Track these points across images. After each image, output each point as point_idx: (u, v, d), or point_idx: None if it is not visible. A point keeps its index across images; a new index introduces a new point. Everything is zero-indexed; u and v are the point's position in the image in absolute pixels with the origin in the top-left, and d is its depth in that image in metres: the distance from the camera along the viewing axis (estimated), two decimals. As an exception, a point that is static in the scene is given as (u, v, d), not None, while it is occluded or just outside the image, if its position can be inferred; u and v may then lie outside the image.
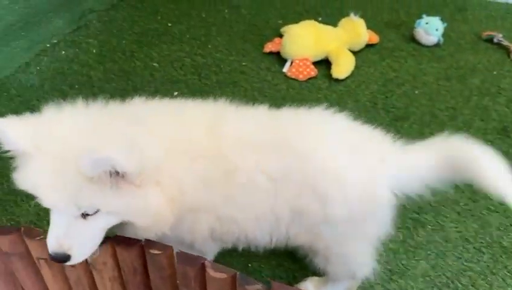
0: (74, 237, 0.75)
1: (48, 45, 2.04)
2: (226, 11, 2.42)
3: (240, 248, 1.01)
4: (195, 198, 0.84)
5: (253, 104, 1.74)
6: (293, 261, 1.25)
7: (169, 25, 2.28)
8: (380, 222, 0.96)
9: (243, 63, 2.01)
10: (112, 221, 0.77)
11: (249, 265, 1.25)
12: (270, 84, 1.88)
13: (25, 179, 0.76)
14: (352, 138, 0.94)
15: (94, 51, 2.05)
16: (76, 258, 0.76)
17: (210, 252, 1.06)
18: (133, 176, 0.73)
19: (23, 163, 0.76)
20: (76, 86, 1.83)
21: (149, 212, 0.78)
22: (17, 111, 0.82)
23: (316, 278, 1.18)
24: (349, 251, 1.00)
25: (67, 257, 0.75)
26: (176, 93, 1.81)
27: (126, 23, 2.27)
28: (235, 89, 1.84)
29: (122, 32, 2.20)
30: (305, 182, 0.87)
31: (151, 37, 2.17)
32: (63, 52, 2.02)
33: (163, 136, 0.83)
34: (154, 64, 1.99)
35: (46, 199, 0.75)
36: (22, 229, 0.76)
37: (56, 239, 0.75)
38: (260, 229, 0.93)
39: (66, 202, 0.73)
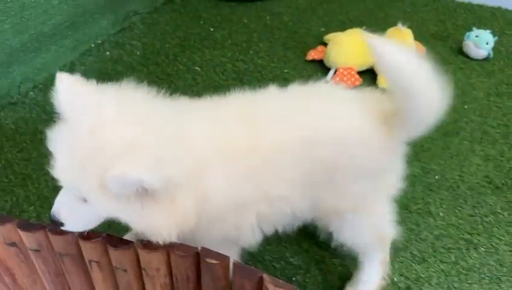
0: (71, 213, 0.77)
1: (93, 45, 2.07)
2: (268, 17, 2.41)
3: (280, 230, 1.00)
4: (239, 194, 0.85)
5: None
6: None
7: (212, 30, 2.28)
8: (398, 172, 1.01)
9: (285, 70, 1.98)
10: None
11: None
12: (313, 93, 1.84)
13: (52, 140, 0.77)
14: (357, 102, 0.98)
15: (138, 53, 2.06)
16: (69, 228, 0.77)
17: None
18: (160, 193, 0.72)
19: (62, 122, 0.77)
20: (120, 87, 1.84)
21: (162, 227, 0.75)
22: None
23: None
24: (375, 207, 1.04)
25: (62, 224, 0.77)
26: (217, 98, 1.79)
27: (169, 27, 2.28)
28: (277, 96, 1.81)
29: (165, 35, 2.21)
30: (335, 143, 0.92)
31: (193, 41, 2.17)
32: (108, 52, 2.04)
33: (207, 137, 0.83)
34: (197, 68, 1.98)
35: (57, 169, 0.76)
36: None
37: (58, 205, 0.77)
38: (302, 199, 0.94)
39: (73, 185, 0.75)
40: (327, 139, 0.91)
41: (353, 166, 0.94)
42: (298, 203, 0.94)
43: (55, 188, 1.34)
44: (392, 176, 1.02)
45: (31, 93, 1.80)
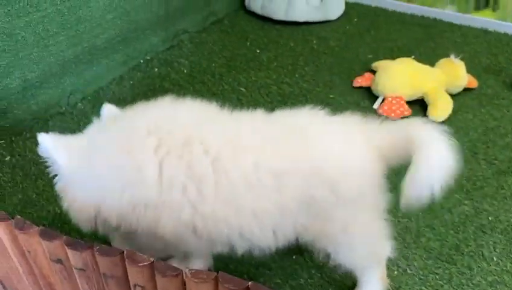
0: None
1: (142, 61, 2.10)
2: (315, 41, 2.39)
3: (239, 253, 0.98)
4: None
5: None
6: None
7: (258, 51, 2.28)
8: (380, 192, 0.98)
9: (331, 96, 1.95)
10: None
11: None
12: (359, 121, 1.79)
13: None
14: (341, 127, 0.99)
15: (185, 71, 2.08)
16: None
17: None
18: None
19: None
20: (166, 104, 1.85)
21: None
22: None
23: None
24: (365, 226, 1.02)
25: None
26: (261, 120, 1.77)
27: (216, 47, 2.30)
28: (321, 122, 1.78)
29: (212, 55, 2.23)
30: (312, 172, 0.90)
31: (239, 62, 2.18)
32: (156, 69, 2.06)
33: None
34: (242, 89, 1.97)
35: None
36: (125, 252, 0.72)
37: None
38: (260, 226, 0.93)
39: None
40: (302, 168, 0.90)
41: (332, 195, 0.92)
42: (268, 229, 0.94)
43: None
44: (378, 196, 0.99)
45: (79, 104, 1.84)
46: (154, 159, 0.89)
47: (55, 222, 1.31)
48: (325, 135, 0.95)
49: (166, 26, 2.21)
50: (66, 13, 1.69)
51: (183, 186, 0.88)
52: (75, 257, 0.76)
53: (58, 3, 1.62)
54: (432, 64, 1.99)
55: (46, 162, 1.50)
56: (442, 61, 1.96)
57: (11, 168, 1.48)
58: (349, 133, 0.97)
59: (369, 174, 0.95)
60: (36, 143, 1.61)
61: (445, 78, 1.89)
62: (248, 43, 2.35)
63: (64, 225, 1.30)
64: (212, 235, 0.92)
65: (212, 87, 1.97)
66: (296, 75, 2.09)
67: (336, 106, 1.87)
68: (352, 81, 2.03)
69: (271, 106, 1.86)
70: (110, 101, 1.85)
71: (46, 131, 1.65)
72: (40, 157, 1.53)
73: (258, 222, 0.92)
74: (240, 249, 0.97)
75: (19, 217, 0.79)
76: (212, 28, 2.47)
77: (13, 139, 1.60)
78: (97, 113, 1.81)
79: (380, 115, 1.82)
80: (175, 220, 0.90)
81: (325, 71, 2.13)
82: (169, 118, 0.96)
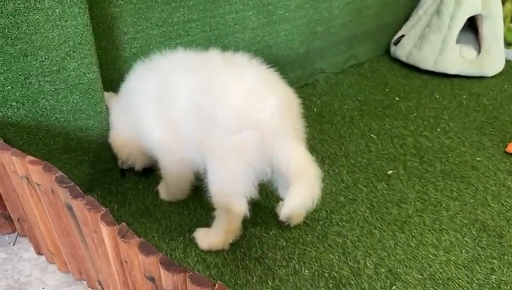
0: None
1: (275, 95, 2.10)
2: (464, 96, 2.15)
3: None
4: None
5: (484, 209, 1.41)
6: None
7: (397, 99, 2.12)
8: (255, 151, 1.09)
9: (477, 158, 1.69)
10: None
11: None
12: (510, 192, 1.51)
13: None
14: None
15: (315, 109, 2.03)
16: None
17: None
18: None
19: None
20: (291, 139, 1.80)
21: None
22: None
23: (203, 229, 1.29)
24: (225, 164, 1.13)
25: None
26: (390, 171, 1.61)
27: (352, 89, 2.21)
28: (462, 185, 1.54)
29: (345, 97, 2.14)
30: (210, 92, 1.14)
31: (374, 107, 2.05)
32: (287, 104, 2.04)
33: None
34: (372, 135, 1.83)
35: None
36: (217, 285, 0.65)
37: None
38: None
39: None
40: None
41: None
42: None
43: (207, 223, 1.32)
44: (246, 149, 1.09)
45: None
46: None
47: (164, 236, 1.31)
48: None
49: (305, 64, 2.19)
50: (214, 40, 1.77)
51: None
52: (166, 278, 0.71)
53: (208, 30, 1.71)
54: None
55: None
56: None
57: (137, 177, 1.55)
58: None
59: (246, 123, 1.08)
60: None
61: None
62: (387, 90, 2.21)
63: (172, 241, 1.30)
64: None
65: (340, 129, 1.87)
66: (438, 130, 1.87)
67: (482, 171, 1.61)
68: (505, 146, 1.75)
69: (403, 158, 1.68)
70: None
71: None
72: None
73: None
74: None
75: (124, 224, 0.78)
76: (350, 70, 2.39)
77: (145, 150, 1.70)
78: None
79: (538, 190, 1.51)
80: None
81: (473, 130, 1.88)
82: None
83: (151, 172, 1.55)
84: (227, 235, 1.24)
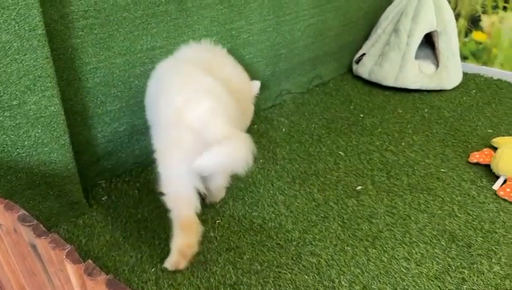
0: None
1: (243, 117, 2.11)
2: (426, 110, 2.22)
3: None
4: None
5: (451, 219, 1.45)
6: None
7: (362, 116, 2.17)
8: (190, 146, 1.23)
9: (442, 169, 1.74)
10: None
11: None
12: (474, 201, 1.56)
13: None
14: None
15: (284, 129, 2.05)
16: None
17: None
18: None
19: None
20: (261, 161, 1.81)
21: None
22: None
23: None
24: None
25: None
26: (359, 187, 1.63)
27: (318, 108, 2.25)
28: (429, 198, 1.58)
29: (313, 116, 2.17)
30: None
31: (340, 125, 2.09)
32: (255, 125, 2.06)
33: None
34: (340, 152, 1.87)
35: None
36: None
37: None
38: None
39: None
40: None
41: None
42: None
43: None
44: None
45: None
46: None
47: (135, 268, 1.28)
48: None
49: (272, 86, 2.22)
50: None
51: None
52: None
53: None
54: None
55: (137, 207, 1.53)
56: None
57: (105, 209, 1.52)
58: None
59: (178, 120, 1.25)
60: (132, 186, 1.65)
61: None
62: (352, 107, 2.26)
63: (143, 273, 1.27)
64: None
65: (309, 148, 1.89)
66: (403, 144, 1.93)
67: (448, 182, 1.66)
68: (468, 156, 1.81)
69: (371, 173, 1.72)
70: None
71: (146, 176, 1.71)
72: (132, 200, 1.57)
73: None
74: None
75: (90, 261, 0.76)
76: (315, 90, 2.44)
77: (113, 180, 1.66)
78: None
79: (500, 198, 1.57)
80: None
81: (436, 142, 1.94)
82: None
83: (119, 202, 1.52)
84: (184, 250, 1.26)
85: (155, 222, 1.46)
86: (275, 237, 1.39)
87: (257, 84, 1.76)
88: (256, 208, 1.53)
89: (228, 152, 1.19)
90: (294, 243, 1.38)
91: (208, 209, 1.52)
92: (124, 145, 1.68)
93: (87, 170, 1.59)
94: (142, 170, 1.73)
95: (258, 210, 1.52)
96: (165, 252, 1.32)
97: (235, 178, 1.69)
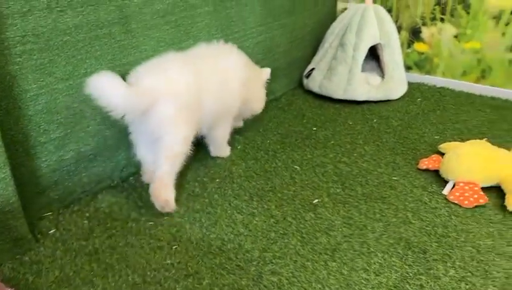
0: None
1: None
2: (375, 120, 2.28)
3: None
4: None
5: (406, 227, 1.48)
6: None
7: (314, 129, 2.20)
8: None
9: (394, 177, 1.78)
10: None
11: None
12: (427, 207, 1.60)
13: None
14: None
15: (239, 147, 2.03)
16: None
17: None
18: None
19: None
20: (217, 180, 1.78)
21: None
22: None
23: None
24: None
25: None
26: (316, 200, 1.64)
27: (272, 123, 2.26)
28: (383, 206, 1.61)
29: (267, 131, 2.18)
30: None
31: (294, 139, 2.10)
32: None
33: None
34: (296, 167, 1.87)
35: None
36: None
37: None
38: None
39: None
40: None
41: None
42: None
43: (134, 285, 1.25)
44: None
45: (131, 178, 1.81)
46: None
47: (88, 304, 1.21)
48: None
49: (223, 103, 2.21)
50: (126, 89, 1.72)
51: None
52: None
53: (119, 79, 1.66)
54: (507, 148, 1.79)
55: (88, 239, 1.45)
56: (521, 144, 1.76)
57: (53, 242, 1.43)
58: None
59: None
60: (82, 217, 1.57)
61: (526, 163, 1.68)
62: (304, 121, 2.29)
63: (97, 308, 1.20)
64: None
65: (264, 164, 1.89)
66: (355, 154, 1.96)
67: (400, 190, 1.70)
68: (417, 163, 1.87)
69: (326, 185, 1.73)
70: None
71: (95, 204, 1.63)
72: (82, 231, 1.49)
73: None
74: None
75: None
76: (269, 105, 2.44)
77: (60, 211, 1.58)
78: (146, 188, 1.77)
79: (450, 202, 1.62)
80: None
81: (386, 151, 1.99)
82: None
83: (68, 234, 1.44)
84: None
85: (107, 253, 1.39)
86: (234, 259, 1.36)
87: (267, 70, 2.03)
88: (214, 229, 1.50)
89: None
90: (255, 263, 1.35)
91: (163, 234, 1.47)
92: (71, 173, 1.60)
93: (32, 202, 1.50)
94: (92, 199, 1.66)
95: (216, 232, 1.49)
96: (119, 285, 1.26)
97: (191, 200, 1.65)
